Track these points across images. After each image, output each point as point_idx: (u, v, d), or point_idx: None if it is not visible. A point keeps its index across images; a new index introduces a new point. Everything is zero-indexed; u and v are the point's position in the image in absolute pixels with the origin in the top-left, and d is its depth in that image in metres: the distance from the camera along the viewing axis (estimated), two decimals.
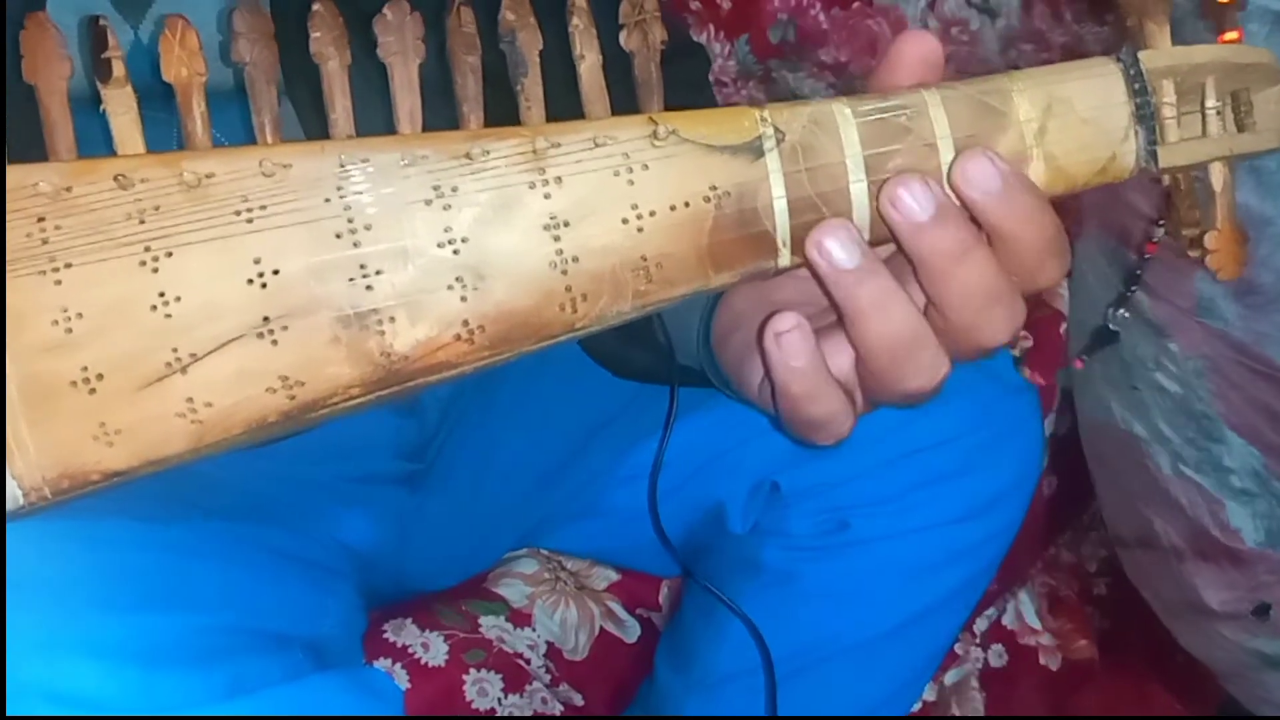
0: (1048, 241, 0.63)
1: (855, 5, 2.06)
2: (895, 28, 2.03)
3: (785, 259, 0.61)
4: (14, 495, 0.54)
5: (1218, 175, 0.66)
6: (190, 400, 0.55)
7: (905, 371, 0.64)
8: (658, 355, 0.93)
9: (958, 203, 0.62)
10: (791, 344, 0.64)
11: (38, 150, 0.55)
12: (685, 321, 0.84)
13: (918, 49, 0.65)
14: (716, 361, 0.81)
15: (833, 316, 0.66)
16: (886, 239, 0.62)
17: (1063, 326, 1.65)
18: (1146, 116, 0.63)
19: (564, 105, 0.60)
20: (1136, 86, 0.62)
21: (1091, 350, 1.42)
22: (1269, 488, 1.41)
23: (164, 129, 0.61)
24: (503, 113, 0.59)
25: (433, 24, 0.59)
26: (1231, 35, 0.65)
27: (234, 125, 0.75)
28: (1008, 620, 1.70)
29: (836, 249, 0.61)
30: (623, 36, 0.61)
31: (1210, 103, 0.65)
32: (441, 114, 0.59)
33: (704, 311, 0.81)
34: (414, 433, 1.24)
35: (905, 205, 0.60)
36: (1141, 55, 0.63)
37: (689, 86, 1.16)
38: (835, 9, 2.05)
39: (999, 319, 0.63)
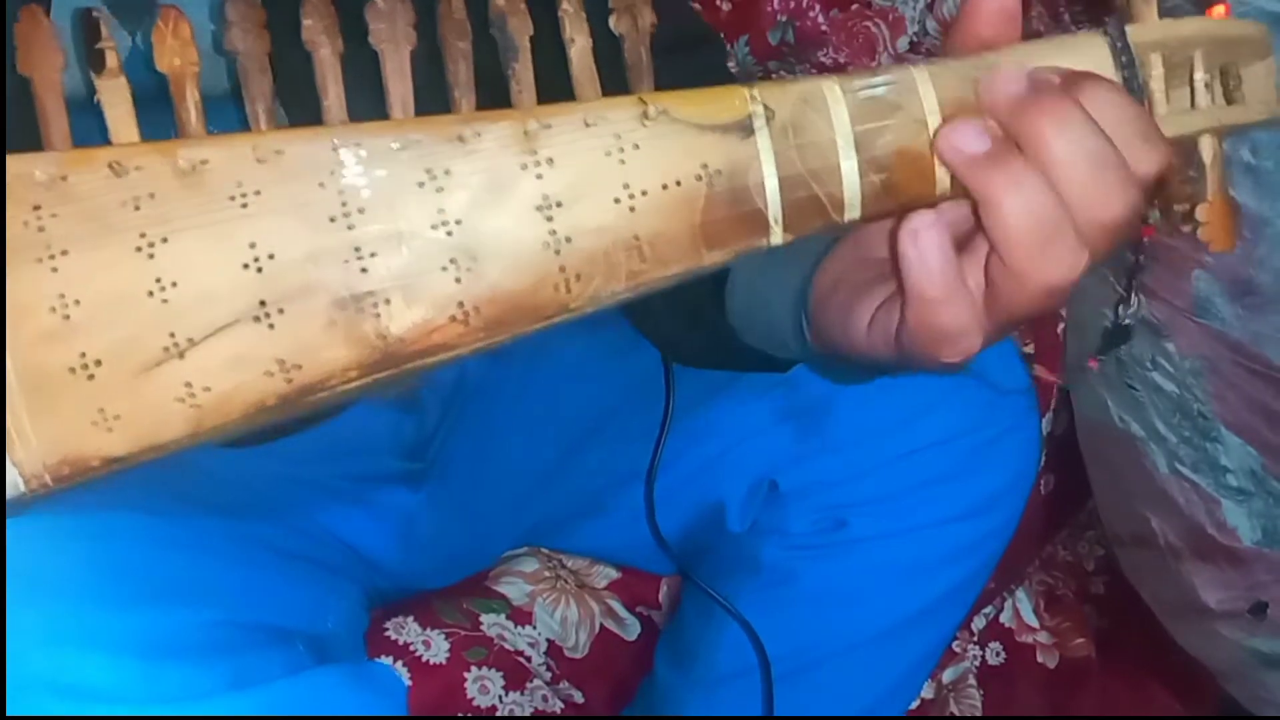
0: (1142, 128, 0.62)
1: (854, 7, 2.06)
2: (894, 29, 2.03)
3: (777, 236, 0.61)
4: (15, 483, 0.54)
5: (1207, 148, 0.66)
6: (188, 385, 0.55)
7: (1045, 260, 0.62)
8: (721, 341, 0.93)
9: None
10: (929, 241, 0.62)
11: (33, 142, 0.56)
12: (768, 299, 0.84)
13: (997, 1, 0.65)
14: (812, 327, 0.80)
15: None
16: (883, 215, 0.63)
17: (1060, 327, 1.65)
18: (1135, 90, 0.63)
19: (556, 91, 0.60)
20: (1124, 60, 0.63)
21: (1105, 349, 1.42)
22: (1266, 487, 1.41)
23: (164, 132, 0.62)
24: (495, 102, 0.60)
25: (424, 12, 0.60)
26: (1219, 9, 0.66)
27: (230, 128, 0.76)
28: (1005, 618, 1.70)
29: (968, 137, 0.61)
30: (612, 20, 0.62)
31: (1198, 75, 0.65)
32: (432, 105, 0.60)
33: (797, 281, 0.81)
34: (414, 432, 1.25)
35: (1002, 81, 0.61)
36: (1129, 29, 0.63)
37: (706, 73, 1.16)
38: (834, 10, 2.06)
39: (1112, 186, 0.61)
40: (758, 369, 0.93)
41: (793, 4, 2.06)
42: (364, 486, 1.19)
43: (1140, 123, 0.62)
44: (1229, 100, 0.66)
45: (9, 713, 0.75)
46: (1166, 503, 1.50)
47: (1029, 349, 1.64)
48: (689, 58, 0.64)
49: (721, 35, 2.01)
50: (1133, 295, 1.34)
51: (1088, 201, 0.61)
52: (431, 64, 0.60)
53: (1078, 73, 0.62)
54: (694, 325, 0.95)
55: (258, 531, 1.02)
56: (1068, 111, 0.60)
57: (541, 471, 1.25)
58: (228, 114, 0.70)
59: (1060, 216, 0.61)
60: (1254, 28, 0.66)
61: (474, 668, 1.27)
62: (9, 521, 0.56)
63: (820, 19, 2.07)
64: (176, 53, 0.57)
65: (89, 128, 0.57)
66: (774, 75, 2.06)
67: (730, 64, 2.05)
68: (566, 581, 1.39)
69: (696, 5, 2.03)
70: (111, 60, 0.56)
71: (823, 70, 2.05)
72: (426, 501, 1.23)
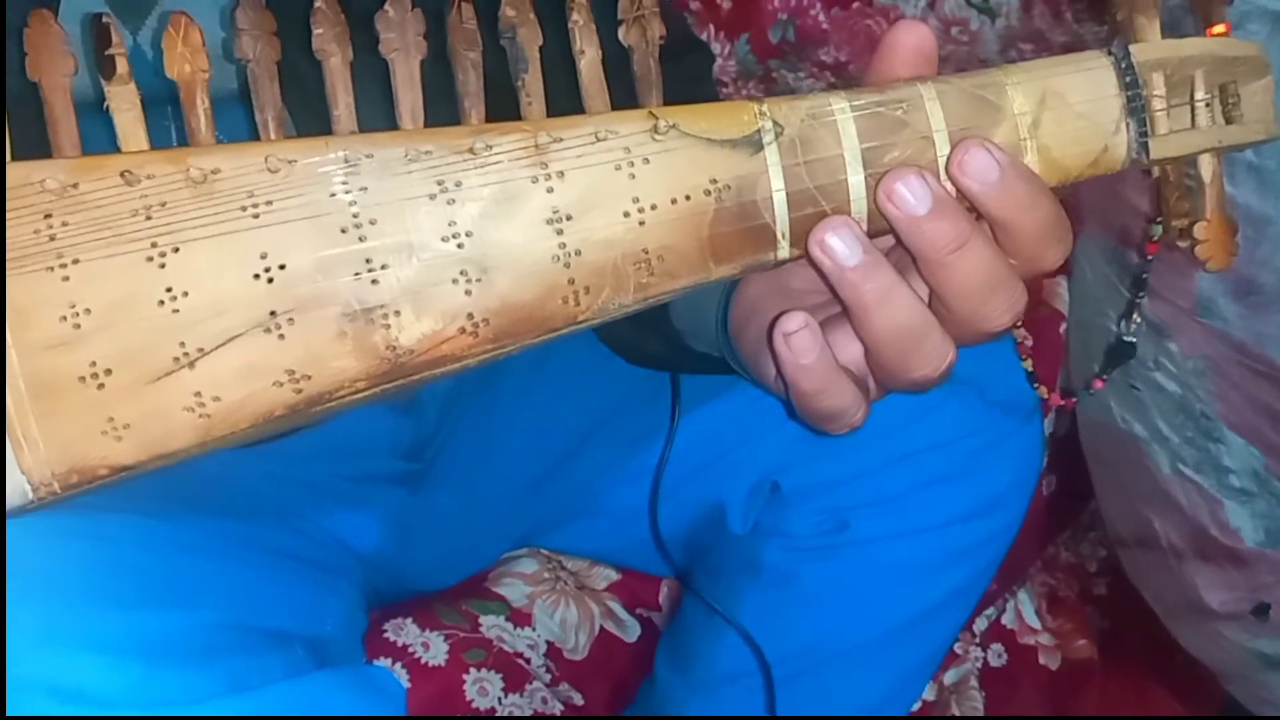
0: (1048, 227, 0.64)
1: (855, 5, 2.06)
2: None
3: (785, 251, 0.61)
4: (23, 490, 0.54)
5: (1207, 166, 0.67)
6: (198, 394, 0.55)
7: (912, 361, 0.65)
8: (667, 342, 0.94)
9: (954, 193, 0.63)
10: (800, 344, 0.65)
11: (42, 149, 0.56)
12: (703, 308, 0.85)
13: (911, 38, 0.65)
14: (735, 348, 0.81)
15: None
16: (886, 230, 0.63)
17: (1062, 327, 1.65)
18: (1137, 109, 0.64)
19: (564, 101, 0.60)
20: (1128, 79, 0.63)
21: (1108, 368, 1.42)
22: (1268, 487, 1.41)
23: (162, 134, 0.62)
24: (503, 112, 0.60)
25: (433, 21, 0.60)
26: (1219, 29, 0.66)
27: (239, 130, 0.76)
28: (1007, 620, 1.70)
29: (839, 246, 0.62)
30: (622, 32, 0.62)
31: (1199, 95, 0.65)
32: (441, 115, 0.60)
33: (721, 298, 0.82)
34: (412, 432, 1.24)
35: (901, 200, 0.61)
36: (1132, 49, 0.64)
37: (691, 81, 1.16)
38: (835, 9, 2.06)
39: (1000, 305, 0.64)
40: (709, 371, 0.94)
41: (794, 2, 2.07)
42: (362, 487, 1.19)
43: (1055, 224, 0.64)
44: (1228, 120, 0.66)
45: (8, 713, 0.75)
46: (1169, 503, 1.49)
47: (1028, 364, 1.64)
48: (676, 65, 0.64)
49: (709, 43, 2.01)
50: (1136, 314, 1.34)
51: (973, 317, 0.65)
52: (441, 73, 0.60)
53: (1004, 168, 0.62)
54: (643, 328, 0.96)
55: (256, 533, 1.02)
56: (965, 238, 0.63)
57: (540, 473, 1.25)
58: (235, 115, 0.70)
59: (927, 324, 0.65)
60: (1253, 48, 0.67)
61: (473, 669, 1.26)
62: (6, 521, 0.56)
63: (821, 17, 2.07)
64: (186, 60, 0.57)
65: (93, 130, 0.57)
66: (775, 74, 2.06)
67: (731, 63, 2.05)
68: (566, 583, 1.39)
69: (697, 3, 2.03)
70: (122, 66, 0.56)
71: (824, 69, 2.05)
72: (425, 502, 1.23)
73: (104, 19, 0.57)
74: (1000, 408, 1.17)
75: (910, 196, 0.61)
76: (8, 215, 0.54)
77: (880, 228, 0.62)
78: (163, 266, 0.55)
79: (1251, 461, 1.41)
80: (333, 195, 0.56)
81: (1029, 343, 1.64)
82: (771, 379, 0.75)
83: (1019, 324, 1.28)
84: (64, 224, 0.54)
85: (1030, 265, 0.65)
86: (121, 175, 0.55)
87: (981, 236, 0.63)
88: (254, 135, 0.58)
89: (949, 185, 0.62)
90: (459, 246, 0.57)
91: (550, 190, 0.58)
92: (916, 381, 0.67)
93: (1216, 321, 1.35)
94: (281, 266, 0.56)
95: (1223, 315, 1.35)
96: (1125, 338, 1.34)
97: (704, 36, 2.02)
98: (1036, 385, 1.23)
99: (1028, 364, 1.23)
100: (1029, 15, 2.11)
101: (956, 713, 1.62)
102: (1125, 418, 1.50)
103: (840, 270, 0.62)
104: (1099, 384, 1.43)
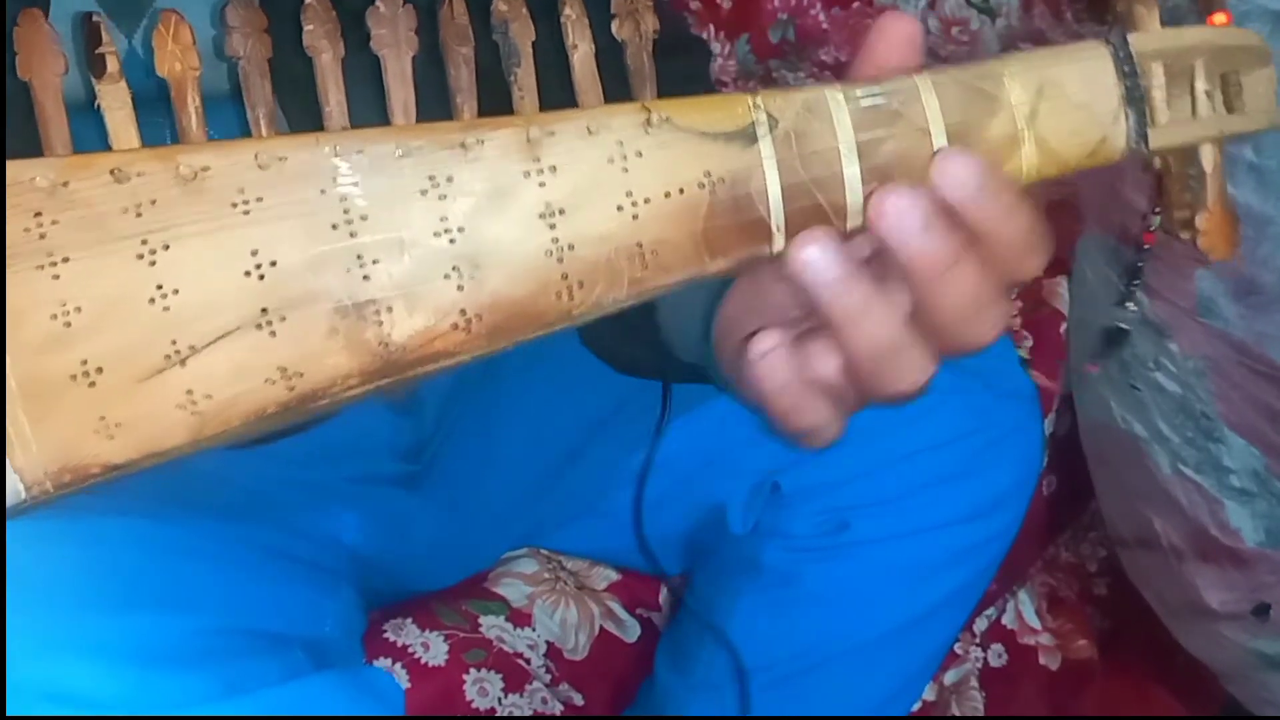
0: (1026, 237, 0.63)
1: (855, 5, 2.06)
2: None
3: (780, 244, 0.61)
4: (16, 490, 0.54)
5: (1208, 157, 0.66)
6: (190, 392, 0.55)
7: (889, 376, 0.64)
8: (655, 351, 0.93)
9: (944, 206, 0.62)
10: (772, 364, 0.64)
11: (33, 148, 0.56)
12: (690, 318, 0.85)
13: (901, 29, 0.65)
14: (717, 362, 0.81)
15: None
16: None
17: (1063, 326, 1.65)
18: (1136, 99, 0.63)
19: (557, 97, 0.60)
20: (1126, 69, 0.63)
21: (1104, 353, 1.42)
22: (1269, 488, 1.41)
23: (157, 134, 0.61)
24: (496, 107, 0.60)
25: (425, 17, 0.59)
26: (1220, 18, 0.66)
27: (230, 129, 0.76)
28: (1007, 620, 1.70)
29: (816, 259, 0.60)
30: (615, 26, 0.62)
31: (1200, 85, 0.65)
32: (434, 110, 0.59)
33: (705, 310, 0.82)
34: (411, 433, 1.24)
35: (892, 215, 0.60)
36: (1131, 38, 0.63)
37: (688, 80, 1.16)
38: (835, 9, 2.06)
39: (987, 321, 0.63)
40: (696, 381, 0.93)
41: (794, 2, 2.07)
42: (361, 488, 1.19)
43: (1031, 233, 0.63)
44: (1229, 109, 0.66)
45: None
46: (1169, 504, 1.49)
47: (1026, 352, 1.64)
48: (672, 62, 0.64)
49: (709, 43, 2.00)
50: (1130, 302, 1.34)
51: (960, 334, 0.63)
52: (433, 68, 0.60)
53: (981, 177, 0.61)
54: (630, 336, 0.96)
55: (254, 534, 1.02)
56: (956, 255, 0.61)
57: (540, 473, 1.25)
58: (227, 114, 0.70)
59: (905, 340, 0.63)
60: (1254, 37, 0.66)
61: (473, 669, 1.26)
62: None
63: (821, 17, 2.07)
64: (177, 58, 0.57)
65: (85, 130, 0.57)
66: (775, 74, 2.06)
67: (732, 63, 2.05)
68: (566, 583, 1.39)
69: (697, 3, 2.03)
70: (112, 65, 0.56)
71: (824, 68, 2.05)
72: (424, 503, 1.23)
73: (94, 18, 0.57)
74: (1003, 396, 1.17)
75: (901, 212, 0.60)
76: None
77: None
78: (153, 264, 0.54)
79: (1252, 461, 1.41)
80: (323, 192, 0.56)
81: (1029, 343, 1.64)
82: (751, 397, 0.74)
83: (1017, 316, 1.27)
84: (54, 222, 0.54)
85: (1009, 275, 0.64)
86: (112, 173, 0.55)
87: (974, 255, 0.61)
88: (246, 133, 0.58)
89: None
90: (451, 242, 0.57)
91: (542, 185, 0.57)
92: (892, 396, 0.65)
93: (1217, 321, 1.35)
94: (273, 263, 0.55)
95: (1223, 315, 1.35)
96: (1119, 324, 1.34)
97: (704, 36, 2.02)
98: (1029, 371, 1.23)
99: (1023, 350, 1.23)
100: (1029, 15, 2.11)
101: (956, 713, 1.62)
102: (1125, 418, 1.50)
103: (816, 284, 0.61)
104: (1092, 368, 1.43)
